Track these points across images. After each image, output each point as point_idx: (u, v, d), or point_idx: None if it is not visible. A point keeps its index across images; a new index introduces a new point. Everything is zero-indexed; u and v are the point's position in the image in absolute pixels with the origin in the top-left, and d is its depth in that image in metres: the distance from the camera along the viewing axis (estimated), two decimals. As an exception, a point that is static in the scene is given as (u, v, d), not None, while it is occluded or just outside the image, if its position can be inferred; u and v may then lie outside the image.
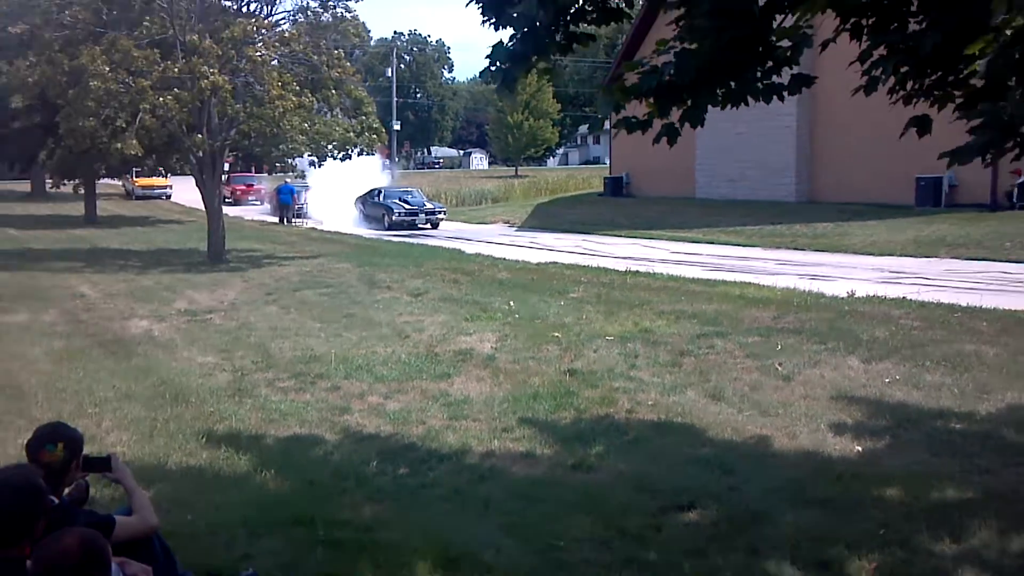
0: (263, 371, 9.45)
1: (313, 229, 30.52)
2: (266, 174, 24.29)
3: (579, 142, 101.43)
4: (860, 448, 6.68)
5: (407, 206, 32.06)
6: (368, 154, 20.79)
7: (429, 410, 7.87)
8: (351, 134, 20.19)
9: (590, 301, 13.40)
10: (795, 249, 21.67)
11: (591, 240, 25.57)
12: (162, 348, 10.73)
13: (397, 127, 61.84)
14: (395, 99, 64.09)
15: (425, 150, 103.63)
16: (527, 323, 11.72)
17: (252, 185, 46.29)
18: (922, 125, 5.12)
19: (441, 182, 54.38)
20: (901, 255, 19.36)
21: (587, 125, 76.93)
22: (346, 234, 28.61)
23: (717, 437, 7.01)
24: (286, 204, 34.53)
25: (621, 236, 26.09)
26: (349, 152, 20.44)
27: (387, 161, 43.03)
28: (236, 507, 5.64)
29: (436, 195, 43.48)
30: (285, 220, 34.21)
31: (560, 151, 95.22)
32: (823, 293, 13.45)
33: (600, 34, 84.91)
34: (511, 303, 13.22)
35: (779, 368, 8.95)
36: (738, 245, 22.76)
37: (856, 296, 13.00)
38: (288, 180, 32.66)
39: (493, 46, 5.15)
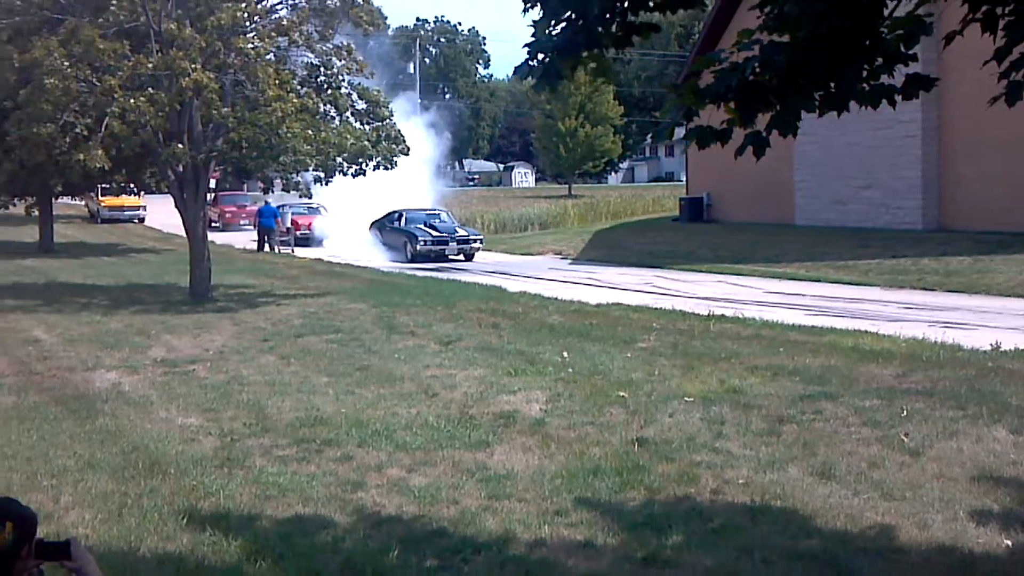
0: (258, 436, 9.51)
1: (319, 260, 30.89)
2: (262, 192, 24.44)
3: (648, 154, 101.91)
4: (1010, 543, 6.58)
5: (434, 233, 32.48)
6: (386, 168, 20.98)
7: (463, 487, 7.86)
8: (366, 143, 20.36)
9: (664, 353, 13.37)
10: (923, 289, 21.53)
11: (664, 276, 25.59)
12: (134, 406, 10.81)
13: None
14: (419, 100, 64.69)
15: (457, 163, 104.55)
16: (585, 379, 11.69)
17: (244, 206, 47.22)
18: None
19: (476, 203, 54.99)
20: (1059, 298, 19.26)
21: (654, 132, 77.40)
22: (359, 267, 28.89)
23: (827, 526, 6.94)
24: (268, 228, 35.37)
25: (702, 271, 26.12)
26: (363, 166, 20.63)
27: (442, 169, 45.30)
28: (225, 606, 5.71)
29: (470, 219, 43.97)
30: (268, 248, 34.98)
31: (624, 165, 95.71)
32: (960, 345, 13.30)
33: (670, 22, 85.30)
34: (565, 354, 13.21)
35: (905, 440, 8.87)
36: (850, 284, 22.67)
37: (1002, 350, 12.83)
38: (269, 200, 33.35)
39: (533, 34, 5.17)
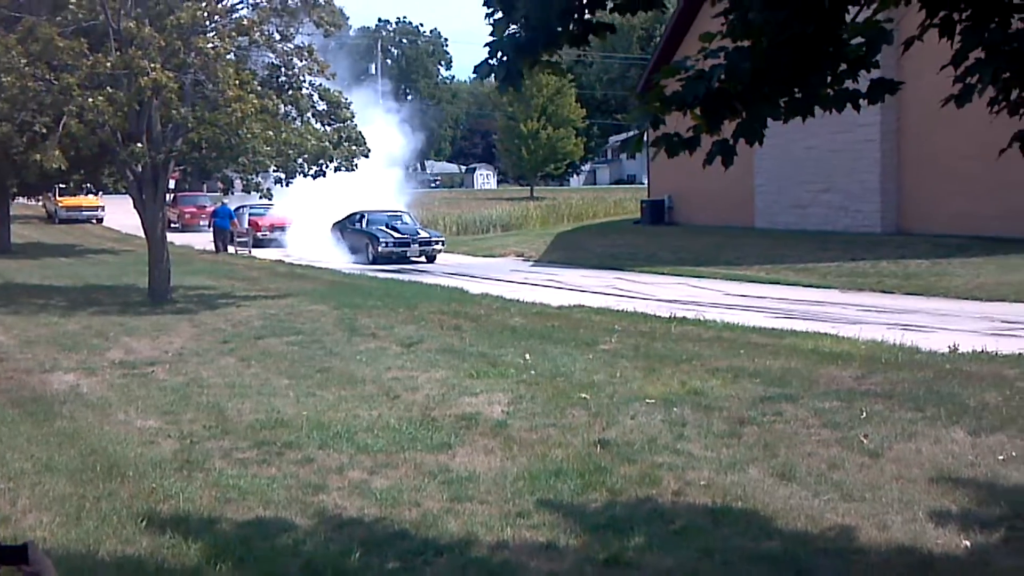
0: (218, 438, 9.48)
1: (279, 262, 30.78)
2: (222, 194, 24.36)
3: (609, 157, 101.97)
4: (968, 543, 6.63)
5: (396, 234, 32.67)
6: (347, 169, 20.96)
7: (425, 489, 7.86)
8: (326, 144, 20.34)
9: (626, 355, 13.42)
10: (881, 292, 21.71)
11: (626, 278, 25.76)
12: (92, 409, 10.74)
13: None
14: (380, 100, 64.63)
15: (419, 165, 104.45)
16: (547, 381, 11.73)
17: (204, 207, 46.66)
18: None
19: (439, 205, 54.95)
20: (1015, 301, 19.31)
21: (620, 140, 77.22)
22: (321, 268, 28.86)
23: (787, 527, 6.97)
24: (222, 229, 35.29)
25: (663, 274, 26.30)
26: (323, 167, 20.61)
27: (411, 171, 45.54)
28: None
29: (432, 221, 44.09)
30: (224, 248, 34.86)
31: (586, 168, 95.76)
32: (918, 347, 13.39)
33: (631, 25, 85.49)
34: (527, 356, 13.25)
35: (864, 441, 8.93)
36: (810, 286, 22.84)
37: (960, 352, 12.93)
38: (226, 201, 33.33)
39: (492, 33, 5.21)
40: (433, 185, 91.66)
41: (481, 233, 45.62)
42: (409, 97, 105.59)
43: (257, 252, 35.49)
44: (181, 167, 24.73)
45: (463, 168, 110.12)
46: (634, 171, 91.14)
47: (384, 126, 39.71)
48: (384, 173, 34.85)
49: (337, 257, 32.65)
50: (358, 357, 13.62)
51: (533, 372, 12.25)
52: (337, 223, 34.95)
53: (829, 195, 32.42)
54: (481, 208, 53.39)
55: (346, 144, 20.82)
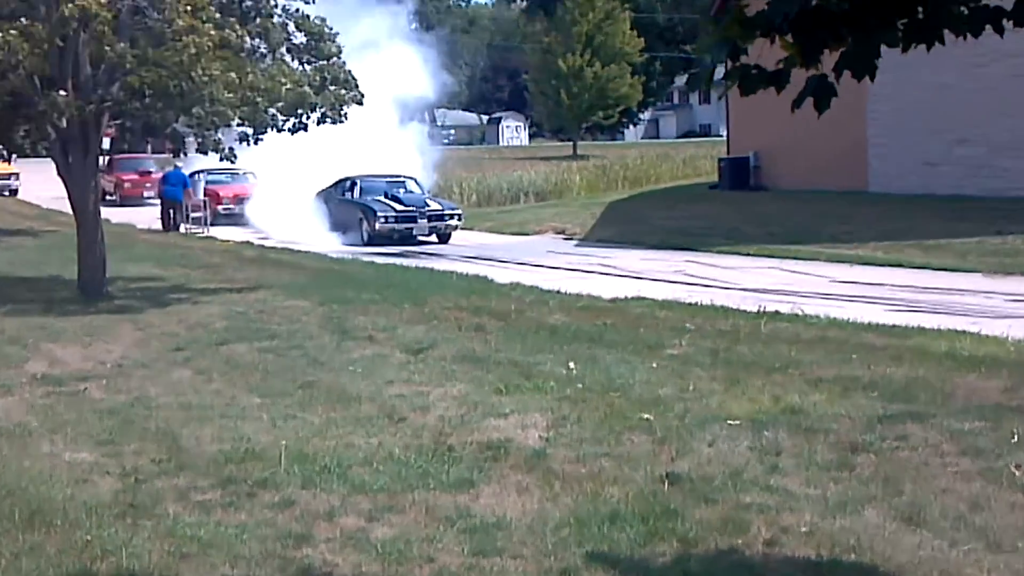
0: (170, 475, 9.45)
1: (248, 244, 30.99)
2: (171, 156, 24.55)
3: (676, 101, 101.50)
4: None
5: (398, 207, 32.89)
6: (334, 120, 21.01)
7: (440, 540, 7.82)
8: (306, 89, 20.28)
9: (700, 362, 13.40)
10: (1038, 276, 21.76)
11: (700, 261, 25.79)
12: (8, 438, 10.74)
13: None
14: (411, 23, 64.21)
15: (426, 115, 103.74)
16: (597, 397, 11.70)
17: (148, 173, 47.24)
18: None
19: (454, 166, 54.35)
20: None
21: (686, 76, 75.60)
22: (301, 252, 29.02)
23: (915, 587, 6.98)
24: (172, 201, 35.59)
25: (749, 255, 26.40)
26: (303, 119, 20.65)
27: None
28: None
29: (446, 189, 44.53)
30: (175, 226, 35.29)
31: (646, 116, 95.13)
32: (1088, 350, 13.42)
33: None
34: (571, 365, 13.25)
35: (1017, 473, 8.86)
36: (942, 270, 22.73)
37: None
38: (179, 164, 33.66)
39: None
40: (446, 141, 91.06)
41: (509, 204, 45.94)
42: (413, 26, 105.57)
43: (218, 231, 35.53)
44: (118, 121, 24.45)
45: (484, 118, 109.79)
46: (709, 120, 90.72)
47: (403, 61, 40.11)
48: (396, 126, 34.80)
49: (322, 237, 32.84)
50: (351, 368, 13.60)
51: (579, 385, 12.23)
52: (321, 193, 35.22)
53: (966, 149, 32.15)
54: (509, 171, 53.55)
55: (332, 88, 20.79)
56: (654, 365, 13.25)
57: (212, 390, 12.67)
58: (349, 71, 21.42)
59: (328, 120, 21.16)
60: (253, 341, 15.61)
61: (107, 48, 18.79)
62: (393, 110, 38.02)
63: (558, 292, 19.86)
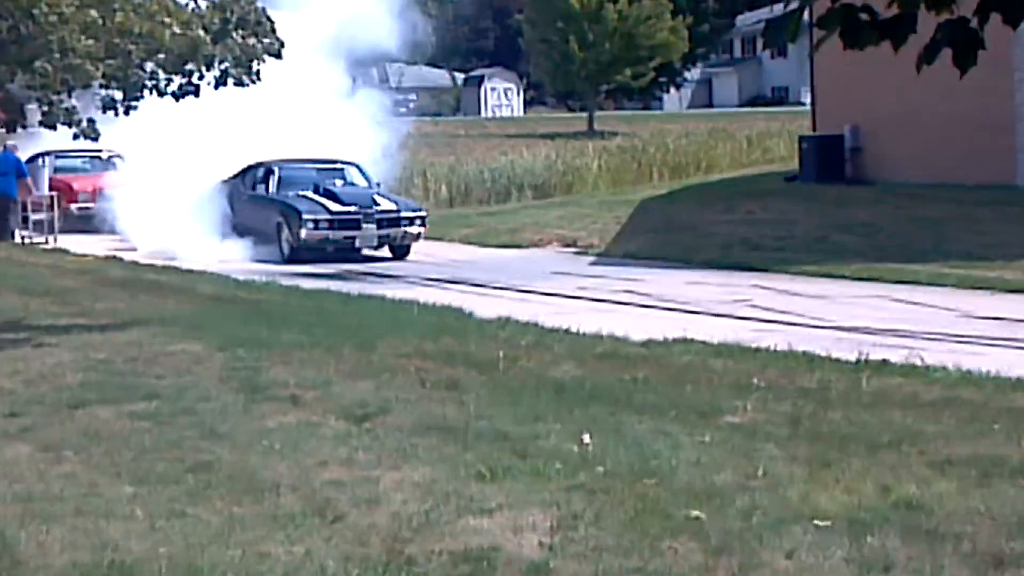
0: (-1, 604, 9.00)
1: (113, 259, 30.12)
2: (4, 129, 24.14)
3: (739, 53, 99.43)
4: None
5: (334, 206, 31.06)
6: (241, 81, 19.96)
7: None
8: (198, 34, 19.42)
9: (774, 434, 12.63)
10: None
11: (773, 286, 25.34)
12: None
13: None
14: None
15: (374, 72, 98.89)
16: (624, 486, 10.76)
17: None
18: None
19: (417, 146, 54.16)
20: None
21: (760, 22, 73.18)
22: (192, 272, 28.01)
23: None
24: (5, 196, 34.09)
25: (844, 277, 25.88)
26: (195, 77, 19.72)
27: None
28: None
29: (404, 179, 43.10)
30: (7, 233, 33.97)
31: (693, 75, 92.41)
32: None
33: None
34: (586, 438, 12.48)
35: None
36: None
37: None
38: (9, 145, 32.82)
39: None
40: (404, 111, 79.45)
41: (495, 202, 45.94)
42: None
43: (70, 241, 34.34)
44: None
45: (460, 77, 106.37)
46: (786, 80, 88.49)
47: None
48: (335, 89, 33.30)
49: (223, 250, 31.42)
50: (265, 442, 12.73)
51: (598, 469, 11.32)
52: (222, 185, 33.32)
53: None
54: (495, 153, 53.80)
55: (238, 33, 19.81)
56: (706, 439, 12.40)
57: (62, 474, 11.75)
58: (263, 9, 20.51)
59: (232, 80, 20.20)
60: (122, 403, 14.71)
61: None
62: (330, 64, 36.10)
63: (567, 331, 18.97)
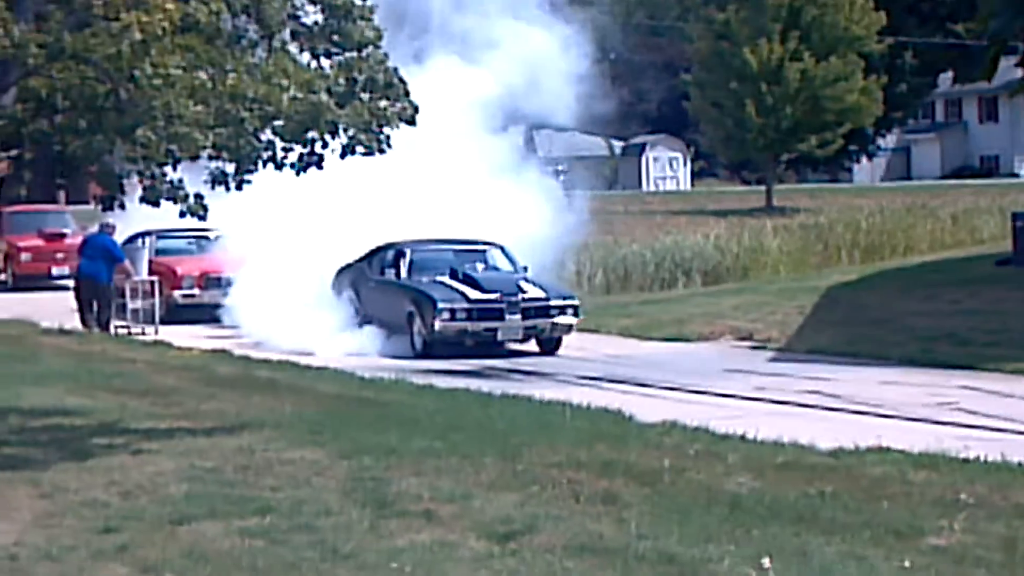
0: None
1: (222, 354, 30.23)
2: (97, 208, 24.17)
3: (942, 117, 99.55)
4: None
5: (474, 294, 31.29)
6: (369, 151, 19.98)
7: None
8: (323, 97, 19.47)
9: (987, 560, 12.45)
10: None
11: (984, 387, 25.27)
12: None
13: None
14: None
15: (526, 137, 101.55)
16: None
17: (62, 235, 48.50)
18: None
19: (568, 224, 53.76)
20: None
21: (967, 88, 72.41)
22: (311, 368, 28.23)
23: None
24: (96, 283, 33.92)
25: None
26: (317, 146, 19.58)
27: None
28: None
29: (555, 262, 43.01)
30: (101, 324, 33.92)
31: (889, 142, 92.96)
32: None
33: None
34: (765, 562, 12.31)
35: None
36: None
37: None
38: (107, 224, 32.23)
39: None
40: (556, 180, 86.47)
41: (659, 289, 47.33)
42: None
43: (173, 332, 34.95)
44: (12, 152, 25.03)
45: (619, 145, 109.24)
46: (995, 148, 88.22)
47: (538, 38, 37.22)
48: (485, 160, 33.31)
49: (346, 343, 32.09)
50: (394, 563, 12.73)
51: None
52: (346, 270, 33.60)
53: None
54: (658, 232, 55.02)
55: (366, 96, 19.74)
56: (906, 564, 12.34)
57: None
58: (394, 69, 20.46)
59: (360, 148, 20.26)
60: (232, 518, 14.82)
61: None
62: (477, 127, 35.93)
63: (742, 438, 19.08)
